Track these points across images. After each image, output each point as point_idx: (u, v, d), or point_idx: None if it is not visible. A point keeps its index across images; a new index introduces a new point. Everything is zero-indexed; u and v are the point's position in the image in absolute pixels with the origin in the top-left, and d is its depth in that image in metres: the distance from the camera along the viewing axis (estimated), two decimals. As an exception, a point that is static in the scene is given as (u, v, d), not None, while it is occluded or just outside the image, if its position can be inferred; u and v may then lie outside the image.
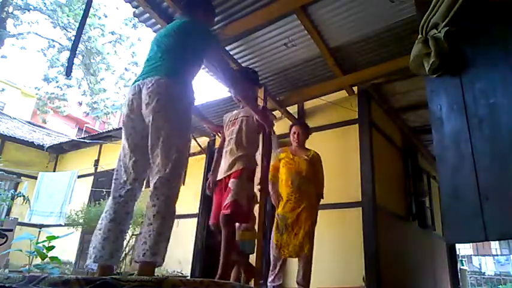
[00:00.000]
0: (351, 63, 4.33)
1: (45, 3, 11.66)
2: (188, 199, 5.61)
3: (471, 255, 17.55)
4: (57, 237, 4.69)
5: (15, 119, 11.20)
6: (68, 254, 7.00)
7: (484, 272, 15.67)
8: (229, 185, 2.31)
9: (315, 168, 3.40)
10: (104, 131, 9.02)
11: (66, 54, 11.38)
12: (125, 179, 1.93)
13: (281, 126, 5.27)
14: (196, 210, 5.70)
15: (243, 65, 4.28)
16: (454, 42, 1.32)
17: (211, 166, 2.75)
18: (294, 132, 3.51)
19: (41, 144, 9.05)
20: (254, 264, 2.62)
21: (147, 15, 3.75)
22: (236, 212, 2.23)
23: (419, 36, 1.41)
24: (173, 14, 3.69)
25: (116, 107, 12.76)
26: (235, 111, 2.70)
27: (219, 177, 2.49)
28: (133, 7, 3.70)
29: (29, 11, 11.63)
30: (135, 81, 1.99)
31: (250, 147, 2.47)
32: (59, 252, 5.20)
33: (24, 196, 6.60)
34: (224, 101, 4.90)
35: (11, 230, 4.99)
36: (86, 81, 12.02)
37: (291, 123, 5.14)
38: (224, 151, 2.53)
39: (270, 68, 4.48)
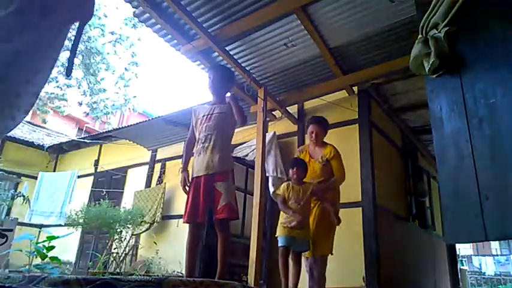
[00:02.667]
0: (351, 63, 4.33)
1: (45, 3, 11.61)
2: (188, 199, 5.61)
3: (471, 255, 17.55)
4: (57, 237, 4.69)
5: (15, 119, 11.17)
6: (68, 254, 7.00)
7: (484, 272, 15.66)
8: (218, 188, 2.30)
9: (330, 168, 3.20)
10: (104, 131, 9.02)
11: (66, 54, 11.35)
12: None
13: (281, 126, 5.27)
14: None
15: (243, 65, 4.28)
16: (454, 42, 1.32)
17: None
18: (312, 132, 3.28)
19: (41, 144, 9.05)
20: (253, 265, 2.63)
21: (147, 15, 3.75)
22: (230, 214, 2.28)
23: (419, 36, 1.41)
24: (173, 14, 3.70)
25: (115, 107, 12.74)
26: (206, 105, 2.60)
27: (196, 174, 2.41)
28: (133, 7, 3.71)
29: (29, 11, 11.61)
30: None
31: (229, 145, 2.48)
32: (59, 252, 5.20)
33: (24, 196, 6.60)
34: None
35: (11, 230, 4.99)
36: (86, 81, 12.00)
37: (291, 123, 5.17)
38: (200, 147, 2.43)
39: (270, 68, 4.48)
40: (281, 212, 3.00)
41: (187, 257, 2.36)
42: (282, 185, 3.10)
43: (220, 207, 2.26)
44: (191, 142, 2.59)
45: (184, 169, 2.55)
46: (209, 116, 2.49)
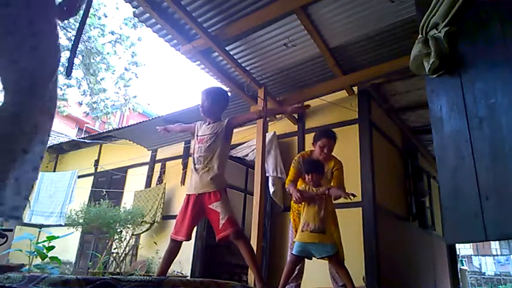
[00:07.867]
0: (351, 63, 4.33)
1: (45, 3, 11.59)
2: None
3: (471, 255, 17.56)
4: (57, 237, 4.70)
5: (15, 119, 11.15)
6: (68, 254, 7.00)
7: (484, 272, 15.68)
8: (215, 208, 2.36)
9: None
10: (104, 131, 9.01)
11: (66, 54, 11.32)
12: None
13: (281, 126, 5.27)
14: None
15: (243, 65, 4.28)
16: (454, 42, 1.32)
17: None
18: (324, 146, 3.19)
19: (41, 144, 9.04)
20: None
21: (147, 15, 3.75)
22: (235, 226, 2.34)
23: (419, 36, 1.41)
24: (173, 14, 3.70)
25: (115, 107, 12.74)
26: (204, 125, 2.63)
27: (188, 192, 2.49)
28: (133, 7, 3.70)
29: (29, 11, 11.59)
30: None
31: (220, 167, 2.49)
32: (59, 252, 5.20)
33: (24, 196, 6.59)
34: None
35: (11, 230, 4.99)
36: (86, 81, 11.98)
37: (291, 123, 5.17)
38: (193, 167, 2.52)
39: (270, 68, 4.48)
40: (302, 216, 2.92)
41: (161, 266, 2.45)
42: (301, 186, 3.06)
43: (222, 225, 2.31)
44: (186, 128, 2.84)
45: (166, 127, 2.90)
46: (204, 137, 2.55)
